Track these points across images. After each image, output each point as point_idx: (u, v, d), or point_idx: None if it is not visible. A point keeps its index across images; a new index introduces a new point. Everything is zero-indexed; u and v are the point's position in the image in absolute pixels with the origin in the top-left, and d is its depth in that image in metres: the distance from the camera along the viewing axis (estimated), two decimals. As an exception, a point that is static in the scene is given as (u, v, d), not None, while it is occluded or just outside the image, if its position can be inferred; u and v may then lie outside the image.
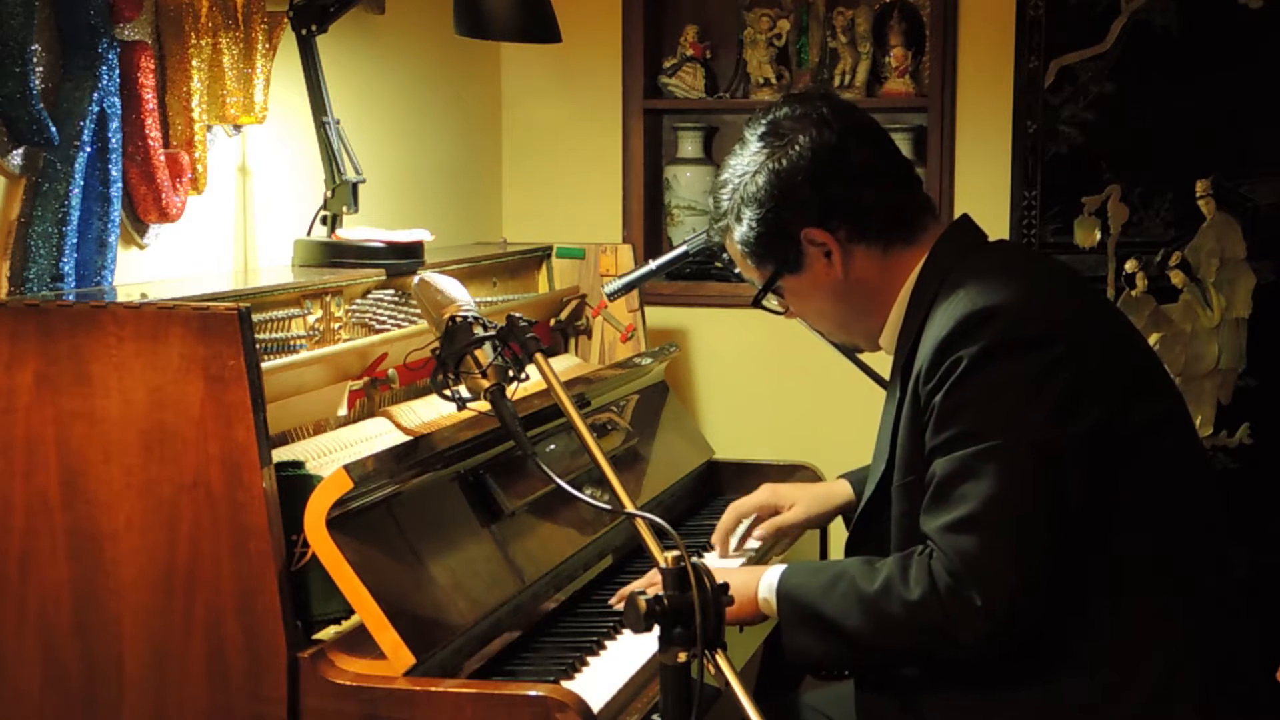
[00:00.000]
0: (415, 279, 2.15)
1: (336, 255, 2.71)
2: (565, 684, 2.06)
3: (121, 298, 2.15)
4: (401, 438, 2.43)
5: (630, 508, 1.79)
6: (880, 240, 2.15)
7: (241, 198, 2.87)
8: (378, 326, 2.61)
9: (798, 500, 2.67)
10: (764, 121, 2.19)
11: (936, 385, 2.00)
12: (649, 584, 2.29)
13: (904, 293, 2.16)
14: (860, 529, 2.24)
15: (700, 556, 2.70)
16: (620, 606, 2.34)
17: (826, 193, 2.12)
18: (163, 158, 2.54)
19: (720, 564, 2.61)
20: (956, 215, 2.26)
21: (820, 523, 2.75)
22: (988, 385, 1.97)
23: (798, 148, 2.13)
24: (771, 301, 2.26)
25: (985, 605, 1.92)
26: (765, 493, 2.70)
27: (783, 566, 2.14)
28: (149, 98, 2.50)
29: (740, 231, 2.19)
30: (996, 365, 1.97)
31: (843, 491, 2.66)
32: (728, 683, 1.62)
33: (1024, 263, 2.21)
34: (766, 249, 2.17)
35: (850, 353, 2.82)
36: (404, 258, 2.71)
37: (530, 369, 2.07)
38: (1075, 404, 1.96)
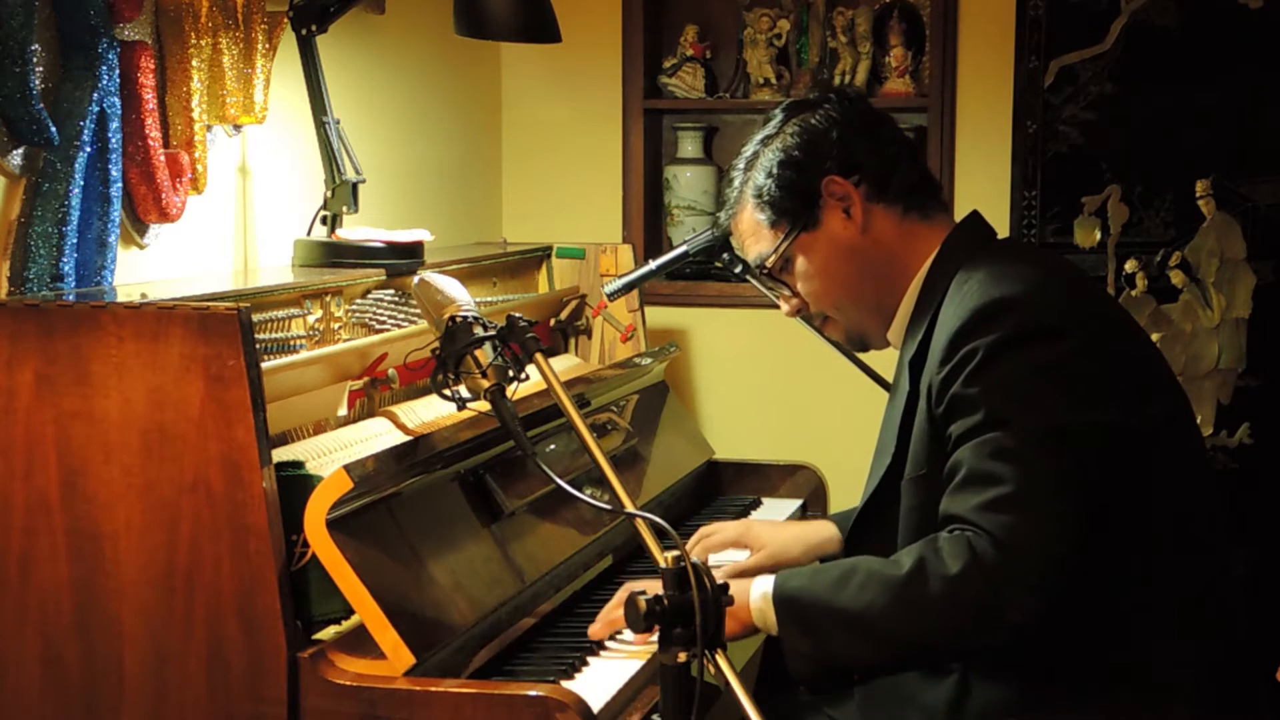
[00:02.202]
0: (415, 279, 2.15)
1: (336, 255, 2.71)
2: (565, 684, 2.06)
3: (121, 298, 2.15)
4: (401, 438, 2.43)
5: (630, 508, 1.79)
6: (898, 203, 2.18)
7: (241, 198, 2.87)
8: (378, 326, 2.61)
9: (767, 544, 2.52)
10: (789, 100, 2.28)
11: (952, 375, 1.99)
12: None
13: (914, 285, 2.16)
14: (861, 525, 2.24)
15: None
16: (599, 635, 2.29)
17: (852, 147, 2.18)
18: (163, 158, 2.54)
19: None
20: (957, 216, 2.26)
21: (792, 565, 2.50)
22: (1008, 372, 1.97)
23: (826, 108, 2.21)
24: (778, 272, 2.24)
25: (1037, 581, 1.88)
26: (738, 530, 2.58)
27: (773, 575, 2.06)
28: (149, 98, 2.50)
29: (760, 183, 2.20)
30: (1015, 353, 1.97)
31: (824, 533, 2.53)
32: (728, 683, 1.62)
33: (1034, 258, 2.21)
34: (786, 199, 2.19)
35: (851, 354, 2.82)
36: (404, 258, 2.71)
37: (530, 369, 2.07)
38: (1092, 395, 1.96)
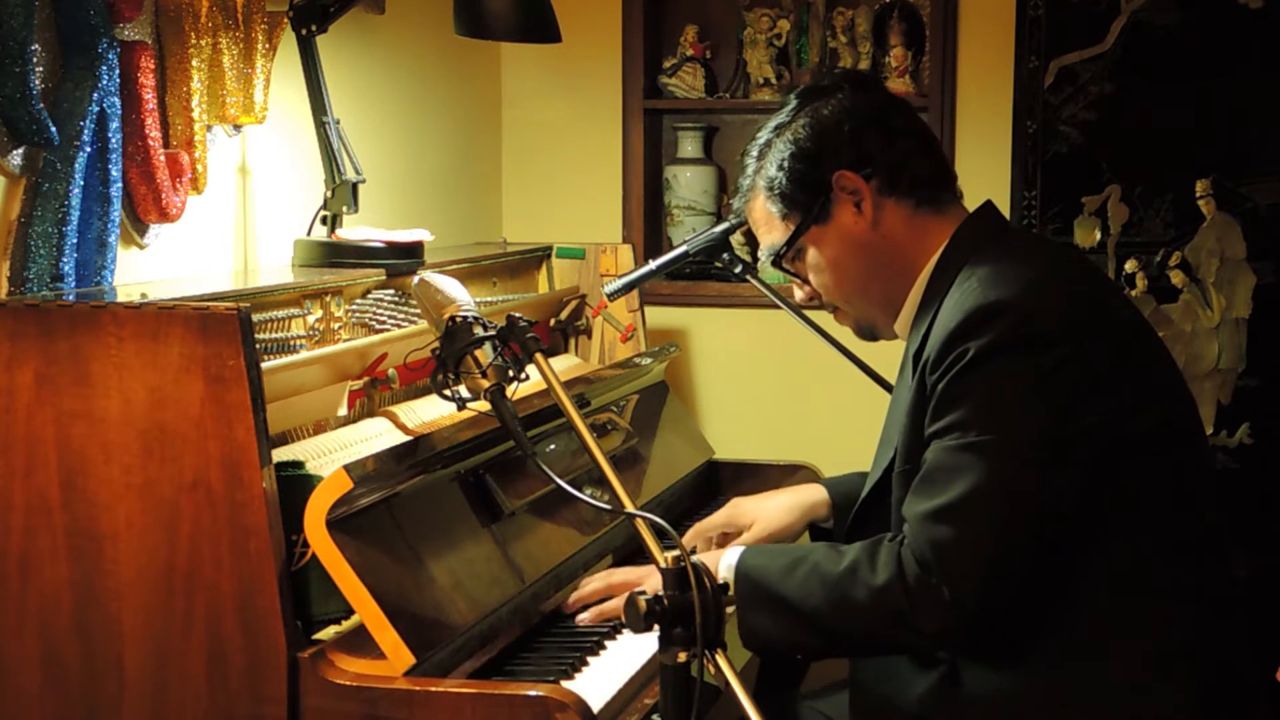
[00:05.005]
0: (415, 279, 2.15)
1: (336, 255, 2.71)
2: (565, 684, 2.06)
3: (121, 298, 2.15)
4: (401, 438, 2.43)
5: (630, 508, 1.79)
6: (910, 197, 2.17)
7: (241, 198, 2.87)
8: (378, 326, 2.61)
9: (757, 518, 2.52)
10: (803, 87, 2.27)
11: (941, 374, 1.99)
12: (602, 582, 2.30)
13: (923, 276, 2.16)
14: (862, 515, 2.24)
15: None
16: (588, 622, 2.33)
17: (864, 140, 2.16)
18: (163, 158, 2.54)
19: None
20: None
21: (785, 535, 2.55)
22: (990, 380, 1.97)
23: (839, 98, 2.20)
24: (790, 262, 2.24)
25: (951, 597, 1.92)
26: (727, 512, 2.57)
27: (743, 547, 2.13)
28: (149, 98, 2.50)
29: (771, 175, 2.20)
30: (1001, 360, 1.96)
31: (811, 499, 2.54)
32: (728, 683, 1.62)
33: (1041, 255, 2.19)
34: (798, 192, 2.18)
35: (851, 353, 2.82)
36: (404, 258, 2.71)
37: (530, 369, 2.07)
38: (1076, 406, 1.95)
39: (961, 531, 1.93)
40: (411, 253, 2.74)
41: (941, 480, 1.96)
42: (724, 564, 2.11)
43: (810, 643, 2.07)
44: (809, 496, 2.55)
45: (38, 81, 2.29)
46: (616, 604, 2.28)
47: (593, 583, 2.34)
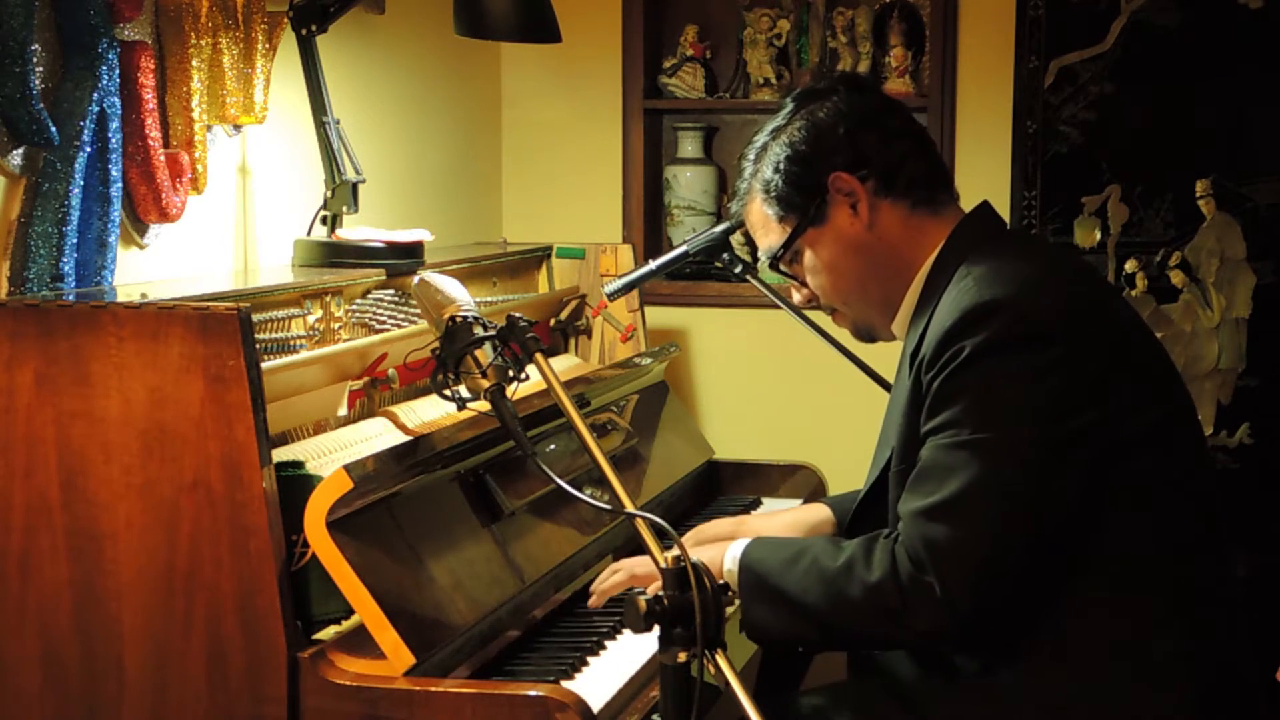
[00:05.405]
0: (415, 279, 2.15)
1: (336, 255, 2.71)
2: (565, 684, 2.06)
3: (121, 298, 2.15)
4: (401, 438, 2.43)
5: (630, 508, 1.79)
6: (906, 198, 2.17)
7: (241, 198, 2.87)
8: (378, 326, 2.61)
9: (760, 534, 2.43)
10: (800, 89, 2.28)
11: (937, 373, 2.00)
12: (625, 575, 2.28)
13: (920, 276, 2.16)
14: (861, 515, 2.24)
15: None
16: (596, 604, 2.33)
17: (860, 142, 2.17)
18: (163, 158, 2.54)
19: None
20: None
21: None
22: (985, 377, 1.97)
23: (835, 100, 2.21)
24: (788, 265, 2.24)
25: (944, 595, 1.92)
26: (732, 525, 2.53)
27: (748, 540, 2.14)
28: (149, 98, 2.50)
29: (768, 178, 2.20)
30: (997, 359, 1.96)
31: (816, 518, 2.52)
32: (728, 683, 1.62)
33: (1038, 255, 2.19)
34: (794, 193, 2.18)
35: (851, 353, 2.82)
36: (404, 258, 2.72)
37: (530, 369, 2.07)
38: (1071, 404, 1.95)
39: (955, 529, 1.93)
40: (411, 253, 2.74)
41: (936, 478, 1.96)
42: (729, 555, 2.12)
43: (809, 636, 2.09)
44: (813, 515, 2.54)
45: (38, 81, 2.29)
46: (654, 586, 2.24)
47: (615, 575, 2.32)
